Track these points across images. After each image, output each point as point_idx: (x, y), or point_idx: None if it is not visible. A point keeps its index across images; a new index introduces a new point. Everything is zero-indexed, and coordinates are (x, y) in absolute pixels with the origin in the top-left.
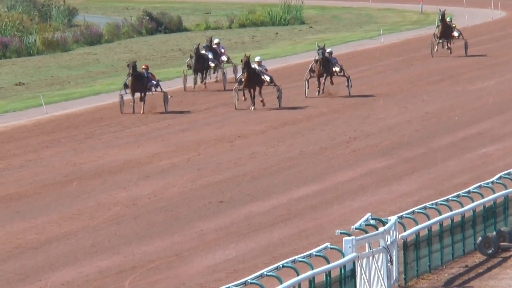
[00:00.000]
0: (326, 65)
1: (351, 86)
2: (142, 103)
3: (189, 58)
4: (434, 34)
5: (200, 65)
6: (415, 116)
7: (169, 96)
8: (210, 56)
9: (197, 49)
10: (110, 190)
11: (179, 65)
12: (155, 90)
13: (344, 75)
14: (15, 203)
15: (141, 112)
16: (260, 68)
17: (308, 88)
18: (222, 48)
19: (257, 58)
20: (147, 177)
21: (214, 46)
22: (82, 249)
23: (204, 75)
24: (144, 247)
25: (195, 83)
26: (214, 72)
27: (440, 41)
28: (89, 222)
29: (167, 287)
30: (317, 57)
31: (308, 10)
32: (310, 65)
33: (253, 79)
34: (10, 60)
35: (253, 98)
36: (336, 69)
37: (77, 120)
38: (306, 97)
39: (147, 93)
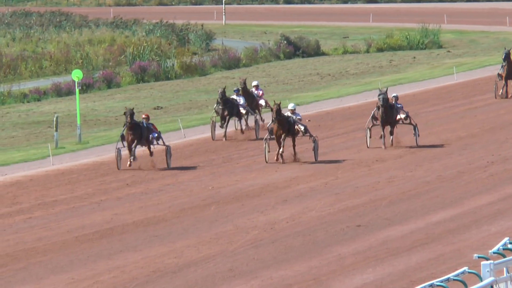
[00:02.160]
0: (389, 112)
1: (418, 135)
2: (151, 157)
3: (216, 104)
4: (498, 74)
5: (227, 110)
6: None
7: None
8: (242, 101)
9: (223, 93)
10: (248, 214)
11: (316, 89)
12: (157, 143)
13: (410, 123)
14: (154, 227)
15: (152, 167)
16: (294, 117)
17: (370, 137)
18: (261, 90)
19: (290, 106)
20: (285, 201)
21: (252, 89)
22: (220, 273)
23: (240, 121)
24: (282, 271)
25: (225, 131)
26: (243, 119)
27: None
28: (227, 246)
29: None
30: (379, 103)
31: (445, 34)
32: (372, 112)
33: (284, 128)
34: (149, 84)
35: (280, 151)
36: (402, 116)
37: (215, 145)
38: (368, 147)
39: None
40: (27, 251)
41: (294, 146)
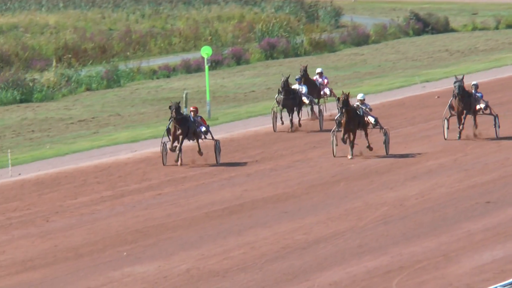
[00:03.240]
0: (466, 101)
1: (499, 126)
2: (200, 154)
3: (277, 94)
4: None
5: (290, 101)
6: None
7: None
8: (304, 90)
9: (285, 82)
10: (377, 191)
11: (445, 66)
12: (205, 138)
13: (490, 113)
14: (283, 204)
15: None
16: (364, 108)
17: (448, 128)
18: (325, 78)
19: (359, 96)
20: (414, 178)
21: (315, 76)
22: (349, 249)
23: (298, 113)
24: (412, 247)
25: (292, 122)
26: (311, 109)
27: None
28: (356, 222)
29: (434, 287)
30: (455, 92)
31: None
32: (450, 101)
33: (354, 120)
34: (277, 61)
35: (352, 144)
36: (481, 106)
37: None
38: (445, 139)
39: (199, 140)
40: (157, 227)
41: (366, 137)
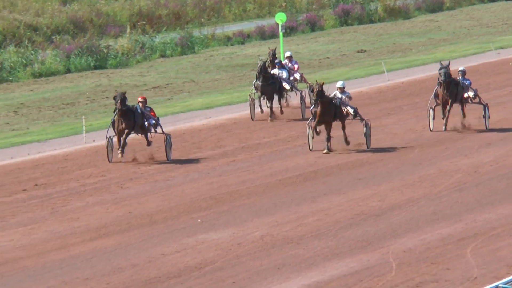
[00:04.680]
0: (452, 89)
1: (488, 117)
2: (148, 146)
3: (255, 79)
4: None
5: (269, 87)
6: None
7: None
8: (285, 75)
9: (262, 67)
10: (451, 158)
11: None
12: (155, 131)
13: (480, 102)
14: (357, 170)
15: (149, 159)
16: (343, 96)
17: (433, 118)
18: (295, 63)
19: (339, 84)
20: (488, 145)
21: (285, 61)
22: (423, 216)
23: (279, 100)
24: (486, 214)
25: (271, 110)
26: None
27: None
28: (430, 189)
29: (508, 254)
30: (440, 79)
31: None
32: (435, 89)
33: (329, 111)
34: (352, 27)
35: (327, 137)
36: (470, 94)
37: (419, 87)
38: (431, 130)
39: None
40: (231, 194)
41: (343, 129)
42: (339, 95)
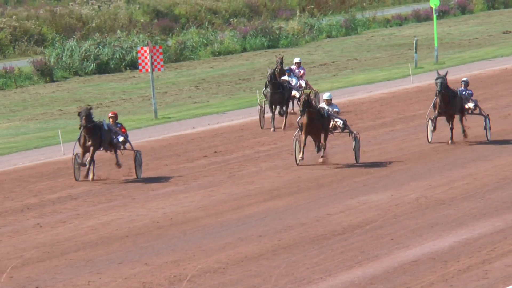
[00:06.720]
0: (451, 100)
1: (490, 128)
2: (118, 166)
3: (264, 87)
4: None
5: (277, 95)
6: None
7: None
8: (294, 82)
9: (272, 75)
10: None
11: None
12: (124, 148)
13: (480, 114)
14: (504, 139)
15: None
16: (330, 109)
17: (433, 130)
18: (302, 69)
19: (325, 95)
20: None
21: (293, 66)
22: None
23: (287, 108)
24: None
25: (273, 118)
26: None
27: None
28: None
29: None
30: (437, 89)
31: None
32: (434, 100)
33: (317, 122)
34: (498, 11)
35: (318, 148)
36: (470, 105)
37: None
38: (429, 142)
39: (117, 151)
40: (390, 160)
41: (325, 139)
42: (326, 107)
